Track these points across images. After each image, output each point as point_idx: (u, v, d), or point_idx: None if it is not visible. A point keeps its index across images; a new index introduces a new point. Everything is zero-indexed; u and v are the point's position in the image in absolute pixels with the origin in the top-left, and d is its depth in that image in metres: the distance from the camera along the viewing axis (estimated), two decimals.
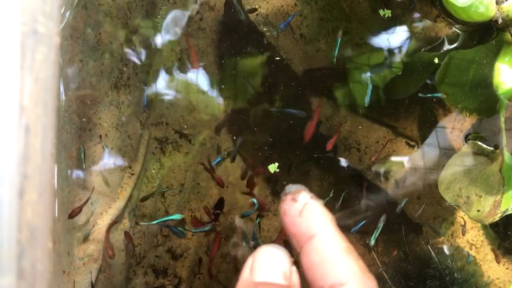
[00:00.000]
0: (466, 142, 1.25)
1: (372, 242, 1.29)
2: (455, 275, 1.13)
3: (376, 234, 1.29)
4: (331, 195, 1.32)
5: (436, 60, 1.30)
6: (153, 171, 1.19)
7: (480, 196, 1.15)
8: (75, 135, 0.96)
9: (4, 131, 0.47)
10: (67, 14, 0.90)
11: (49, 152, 0.50)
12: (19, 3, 0.45)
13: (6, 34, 0.44)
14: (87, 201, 0.97)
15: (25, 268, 0.48)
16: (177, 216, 1.10)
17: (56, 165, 0.84)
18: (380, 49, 1.37)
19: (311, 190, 1.38)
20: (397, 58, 1.37)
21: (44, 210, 0.50)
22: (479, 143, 1.16)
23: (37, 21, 0.46)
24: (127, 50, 1.09)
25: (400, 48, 1.37)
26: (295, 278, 0.41)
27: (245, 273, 0.40)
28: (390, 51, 1.36)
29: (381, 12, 1.32)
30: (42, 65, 0.48)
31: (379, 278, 1.25)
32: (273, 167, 1.32)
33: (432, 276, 1.12)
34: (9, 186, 0.47)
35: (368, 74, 1.38)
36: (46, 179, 0.51)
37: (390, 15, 1.33)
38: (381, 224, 1.29)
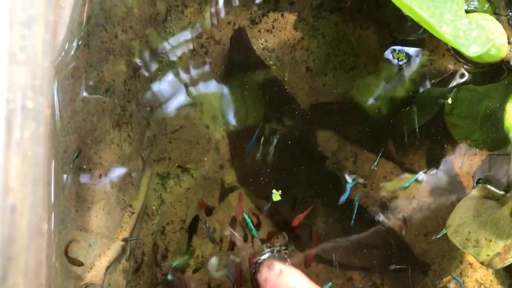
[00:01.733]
0: (475, 185, 1.22)
1: (352, 223, 1.25)
2: None
3: (353, 214, 1.27)
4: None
5: (449, 101, 1.27)
6: (153, 207, 1.16)
7: (490, 241, 1.11)
8: (74, 175, 0.94)
9: None
10: (70, 54, 0.88)
11: (37, 229, 0.48)
12: (5, 80, 0.43)
13: None
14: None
15: None
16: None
17: (53, 212, 0.82)
18: (387, 83, 1.34)
19: (316, 226, 1.33)
20: (405, 93, 1.34)
21: (36, 247, 0.48)
22: (489, 186, 1.13)
23: (26, 97, 0.44)
24: (129, 86, 1.08)
25: (408, 82, 1.35)
26: None
27: None
28: (398, 86, 1.34)
29: (395, 55, 1.30)
30: (31, 141, 0.46)
31: None
32: (276, 195, 1.29)
33: None
34: None
35: (375, 108, 1.35)
36: (33, 258, 0.49)
37: (404, 58, 1.30)
38: (356, 204, 1.25)
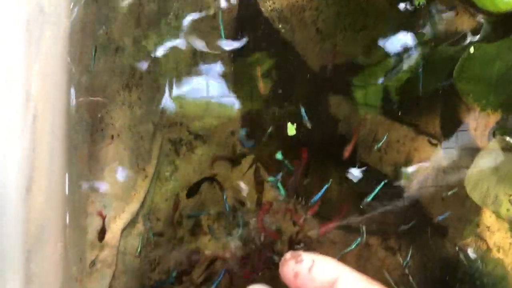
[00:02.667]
0: (493, 137, 1.19)
1: (369, 199, 1.23)
2: (484, 280, 1.07)
3: (372, 195, 1.23)
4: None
5: (472, 50, 1.24)
6: (166, 173, 1.14)
7: (510, 195, 1.09)
8: (86, 134, 0.92)
9: (10, 116, 0.42)
10: (76, 9, 0.86)
11: (59, 139, 0.46)
12: None
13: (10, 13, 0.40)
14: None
15: (33, 270, 0.44)
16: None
17: (67, 166, 0.80)
18: (398, 44, 1.32)
19: (329, 193, 1.31)
20: (417, 54, 1.32)
21: (52, 211, 0.46)
22: (508, 138, 1.10)
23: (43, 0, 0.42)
24: (139, 48, 1.06)
25: (419, 42, 1.32)
26: None
27: None
28: (409, 47, 1.32)
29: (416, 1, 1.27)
30: (50, 48, 0.44)
31: (404, 282, 1.19)
32: (291, 129, 1.25)
33: (460, 280, 1.06)
34: (16, 177, 0.43)
35: (387, 71, 1.33)
36: (56, 170, 0.47)
37: (424, 1, 1.27)
38: (377, 188, 1.24)
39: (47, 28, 0.40)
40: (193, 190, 1.16)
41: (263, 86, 1.22)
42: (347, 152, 1.24)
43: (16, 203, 0.37)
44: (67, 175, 0.81)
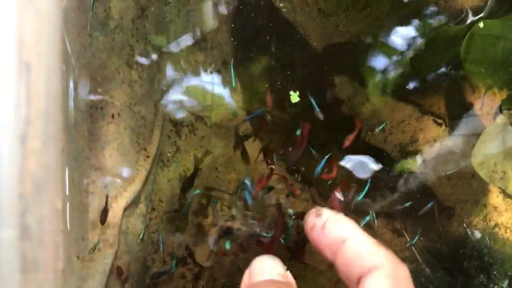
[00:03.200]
0: (500, 112, 1.17)
1: (360, 198, 1.21)
2: (493, 256, 1.05)
3: (364, 191, 1.21)
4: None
5: (481, 25, 1.22)
6: (168, 154, 1.13)
7: None
8: (85, 113, 0.91)
9: (1, 67, 0.41)
10: None
11: (56, 95, 0.45)
12: None
13: None
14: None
15: (30, 225, 0.43)
16: None
17: (65, 142, 0.78)
18: (401, 24, 1.30)
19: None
20: (421, 34, 1.30)
21: (49, 161, 0.45)
22: None
23: None
24: (138, 25, 1.04)
25: (423, 22, 1.30)
26: (291, 278, 0.47)
27: (244, 280, 0.46)
28: (413, 26, 1.30)
29: None
30: None
31: (411, 261, 1.18)
32: (294, 96, 1.23)
33: (469, 256, 1.04)
34: (9, 130, 0.42)
35: (390, 50, 1.31)
36: (52, 126, 0.45)
37: None
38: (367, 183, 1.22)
39: None
40: (188, 184, 1.14)
41: (270, 99, 1.21)
42: (348, 141, 1.22)
43: (10, 159, 0.36)
44: (64, 151, 0.79)
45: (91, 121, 0.92)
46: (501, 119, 1.09)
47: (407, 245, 1.23)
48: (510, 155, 1.07)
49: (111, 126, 0.96)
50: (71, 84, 0.84)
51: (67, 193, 0.77)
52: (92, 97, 0.93)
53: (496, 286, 1.02)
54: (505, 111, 1.11)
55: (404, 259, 1.18)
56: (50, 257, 0.42)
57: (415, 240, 1.22)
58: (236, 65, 1.21)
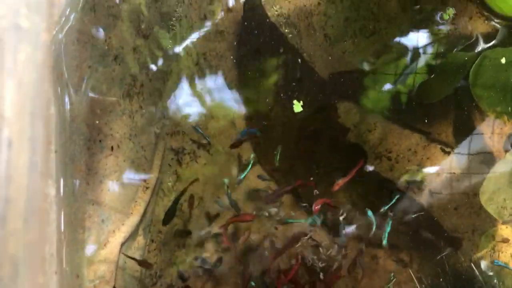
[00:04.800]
0: (510, 148, 1.14)
1: (384, 242, 1.18)
2: None
3: (386, 232, 1.18)
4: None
5: (503, 60, 1.19)
6: (169, 183, 1.11)
7: None
8: (83, 146, 0.89)
9: None
10: (72, 16, 0.83)
11: (38, 171, 0.43)
12: None
13: None
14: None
15: None
16: None
17: (62, 180, 0.77)
18: (410, 50, 1.27)
19: (338, 202, 1.20)
20: (429, 60, 1.27)
21: (32, 239, 0.43)
22: None
23: (19, 14, 0.39)
24: (140, 55, 1.02)
25: (432, 48, 1.27)
26: None
27: None
28: (421, 52, 1.27)
29: (444, 15, 1.23)
30: (26, 66, 0.41)
31: None
32: (297, 106, 1.20)
33: None
34: None
35: (398, 77, 1.28)
36: (34, 202, 0.43)
37: (452, 14, 1.23)
38: (389, 221, 1.19)
39: (24, 46, 0.37)
40: (170, 215, 1.11)
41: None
42: (337, 186, 1.20)
43: None
44: (61, 187, 0.78)
45: (89, 155, 0.90)
46: (510, 155, 1.06)
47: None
48: None
49: (110, 158, 0.94)
50: (68, 119, 0.82)
51: (62, 236, 0.75)
52: (91, 130, 0.91)
53: None
54: None
55: None
56: None
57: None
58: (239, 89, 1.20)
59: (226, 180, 1.12)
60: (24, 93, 0.37)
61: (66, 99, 0.79)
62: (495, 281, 1.05)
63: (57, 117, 0.68)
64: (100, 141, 0.93)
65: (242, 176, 1.15)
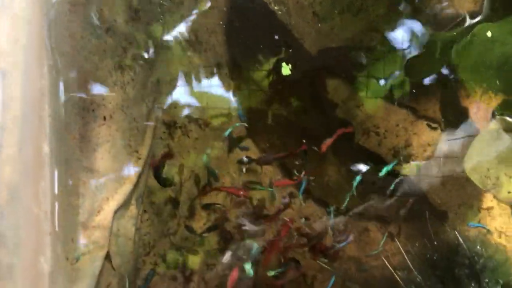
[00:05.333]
0: (493, 118, 1.16)
1: (353, 191, 1.21)
2: (485, 263, 1.05)
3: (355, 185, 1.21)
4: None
5: (489, 34, 1.21)
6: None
7: (510, 177, 1.07)
8: (77, 116, 0.91)
9: None
10: None
11: (32, 101, 0.45)
12: None
13: None
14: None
15: (5, 233, 0.43)
16: None
17: (56, 145, 0.79)
18: (397, 28, 1.30)
19: (327, 177, 1.28)
20: (416, 38, 1.30)
21: (27, 168, 0.45)
22: (508, 118, 1.08)
23: None
24: (131, 28, 1.04)
25: (418, 27, 1.30)
26: None
27: None
28: (409, 30, 1.29)
29: None
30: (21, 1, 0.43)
31: (403, 268, 1.17)
32: (286, 69, 1.22)
33: (461, 264, 1.04)
34: None
35: (385, 53, 1.31)
36: (29, 132, 0.45)
37: None
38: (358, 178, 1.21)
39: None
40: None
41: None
42: (324, 146, 1.22)
43: None
44: (55, 156, 0.80)
45: (82, 124, 0.92)
46: (494, 124, 1.09)
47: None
48: (503, 161, 1.07)
49: (103, 128, 0.96)
50: (61, 87, 0.84)
51: (56, 199, 0.77)
52: (84, 99, 0.93)
53: None
54: (498, 116, 1.10)
55: (395, 266, 1.18)
56: (28, 263, 0.43)
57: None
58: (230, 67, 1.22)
59: (208, 151, 1.15)
60: (18, 27, 0.40)
61: (59, 64, 0.81)
62: (478, 247, 1.08)
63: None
64: (93, 110, 0.95)
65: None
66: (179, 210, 1.14)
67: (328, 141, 1.18)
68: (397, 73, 1.30)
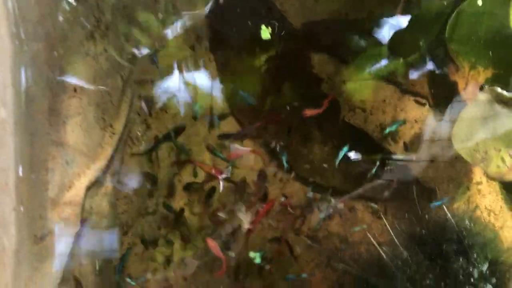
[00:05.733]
0: (481, 90, 1.13)
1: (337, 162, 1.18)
2: (474, 239, 1.02)
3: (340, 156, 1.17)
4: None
5: (479, 2, 1.17)
6: (138, 132, 1.09)
7: (499, 150, 1.04)
8: (45, 87, 0.86)
9: None
10: None
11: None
12: None
13: None
14: None
15: None
16: None
17: (20, 115, 0.74)
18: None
19: (312, 154, 1.22)
20: (403, 10, 1.26)
21: None
22: (498, 89, 1.04)
23: None
24: None
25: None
26: None
27: None
28: (394, 2, 1.25)
29: None
30: None
31: (389, 244, 1.14)
32: (265, 32, 1.17)
33: (449, 239, 1.00)
34: None
35: (371, 27, 1.27)
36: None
37: None
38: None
39: None
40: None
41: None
42: (308, 112, 1.18)
43: None
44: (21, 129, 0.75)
45: (51, 95, 0.87)
46: (483, 95, 1.05)
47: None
48: (492, 134, 1.03)
49: (73, 100, 0.91)
50: (26, 57, 0.79)
51: (20, 172, 0.73)
52: (53, 70, 0.88)
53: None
54: (486, 87, 1.07)
55: (382, 242, 1.15)
56: None
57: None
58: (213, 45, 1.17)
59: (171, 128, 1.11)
60: None
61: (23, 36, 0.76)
62: (467, 223, 1.05)
63: None
64: (63, 82, 0.90)
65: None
66: (157, 188, 1.09)
67: (311, 111, 1.14)
68: (380, 46, 1.26)
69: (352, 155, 1.22)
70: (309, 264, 1.21)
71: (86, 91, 0.94)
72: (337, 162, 1.14)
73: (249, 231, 1.11)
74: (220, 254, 1.05)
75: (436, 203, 1.12)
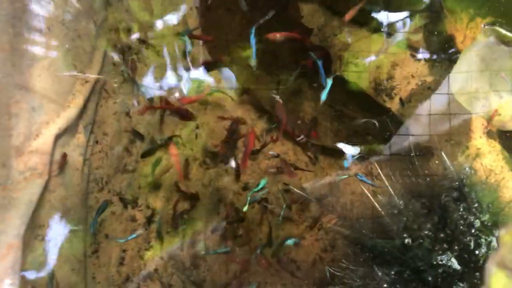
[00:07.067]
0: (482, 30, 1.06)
1: (323, 98, 1.10)
2: (475, 188, 0.95)
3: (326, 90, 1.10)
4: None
5: None
6: (114, 84, 1.01)
7: (501, 97, 0.97)
8: (6, 23, 0.79)
9: None
10: None
11: None
12: None
13: None
14: None
15: None
16: None
17: None
18: None
19: (303, 111, 1.11)
20: None
21: None
22: (499, 29, 0.97)
23: None
24: None
25: None
26: None
27: None
28: None
29: None
30: None
31: (384, 193, 1.07)
32: None
33: (448, 188, 0.94)
34: None
35: None
36: None
37: None
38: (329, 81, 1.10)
39: None
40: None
41: None
42: (271, 35, 1.11)
43: None
44: None
45: (13, 34, 0.80)
46: (482, 36, 0.98)
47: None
48: (493, 79, 0.96)
49: (39, 41, 0.84)
50: None
51: None
52: (15, 6, 0.81)
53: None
54: (485, 27, 1.00)
55: (377, 193, 1.08)
56: None
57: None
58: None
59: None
60: None
61: None
62: (467, 169, 0.98)
63: None
64: (26, 21, 0.82)
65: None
66: (136, 144, 1.02)
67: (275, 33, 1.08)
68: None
69: (352, 150, 1.17)
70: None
71: (54, 33, 0.87)
72: (323, 96, 1.06)
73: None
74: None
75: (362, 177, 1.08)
